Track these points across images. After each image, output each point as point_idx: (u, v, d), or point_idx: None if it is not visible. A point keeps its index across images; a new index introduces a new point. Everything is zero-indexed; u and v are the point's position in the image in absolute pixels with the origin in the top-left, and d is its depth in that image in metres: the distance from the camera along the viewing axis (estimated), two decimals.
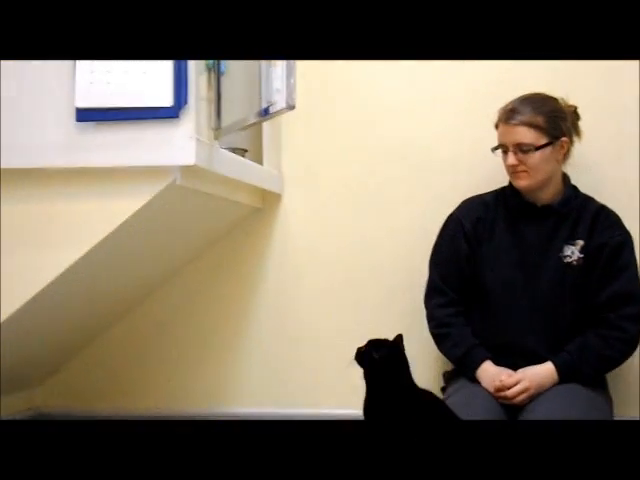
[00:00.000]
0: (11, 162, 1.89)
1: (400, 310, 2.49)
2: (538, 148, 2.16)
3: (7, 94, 1.89)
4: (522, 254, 2.23)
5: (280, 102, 1.91)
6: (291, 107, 1.90)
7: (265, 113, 1.99)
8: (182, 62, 1.84)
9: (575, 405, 2.06)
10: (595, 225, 2.22)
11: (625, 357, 2.20)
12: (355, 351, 1.81)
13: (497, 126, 2.23)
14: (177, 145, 1.85)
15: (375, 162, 2.56)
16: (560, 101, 2.23)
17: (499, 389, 2.12)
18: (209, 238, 2.59)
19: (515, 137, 2.17)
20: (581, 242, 2.20)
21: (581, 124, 2.26)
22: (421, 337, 2.32)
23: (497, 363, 2.19)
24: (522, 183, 2.20)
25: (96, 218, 1.92)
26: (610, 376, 2.26)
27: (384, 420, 1.80)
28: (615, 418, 2.19)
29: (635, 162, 2.40)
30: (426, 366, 2.37)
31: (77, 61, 1.84)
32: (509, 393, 2.11)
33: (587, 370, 2.15)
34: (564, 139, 2.20)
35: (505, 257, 2.24)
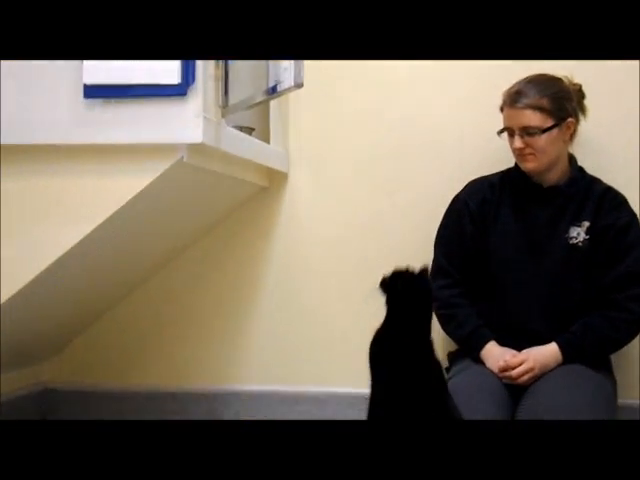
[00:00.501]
0: (18, 138, 1.89)
1: None
2: (544, 131, 2.15)
3: (15, 70, 1.88)
4: (528, 235, 2.23)
5: (288, 80, 1.91)
6: (299, 85, 1.89)
7: (272, 91, 1.99)
8: None
9: (579, 386, 2.06)
10: (601, 206, 2.21)
11: (631, 338, 2.20)
12: (380, 279, 1.83)
13: (502, 109, 2.22)
14: (184, 123, 1.85)
15: (382, 142, 2.56)
16: (565, 80, 2.22)
17: (503, 369, 2.13)
18: (215, 217, 2.59)
19: (521, 120, 2.16)
20: (587, 223, 2.20)
21: (587, 103, 2.25)
22: None
23: (502, 344, 2.19)
24: (529, 166, 2.20)
25: (103, 196, 1.92)
26: (615, 357, 2.27)
27: (388, 359, 1.83)
28: (619, 400, 2.20)
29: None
30: None
31: None
32: (513, 373, 2.12)
33: (591, 351, 2.15)
34: (570, 120, 2.20)
35: (510, 238, 2.24)
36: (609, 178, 2.28)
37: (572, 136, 2.23)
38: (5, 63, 1.87)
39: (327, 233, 2.58)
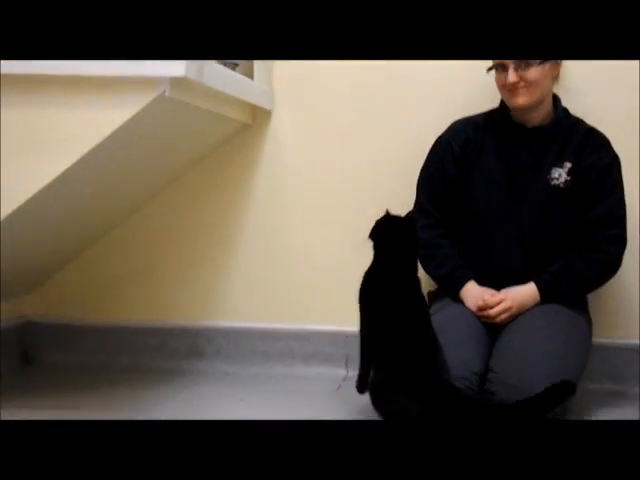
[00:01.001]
0: None
1: None
2: (541, 63, 2.13)
3: None
4: (510, 176, 2.24)
5: None
6: None
7: None
8: None
9: (556, 324, 2.10)
10: (584, 147, 2.22)
11: (607, 278, 2.23)
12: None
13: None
14: None
15: (368, 80, 2.53)
16: None
17: (482, 308, 2.16)
18: (198, 153, 2.58)
19: None
20: (569, 164, 2.21)
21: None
22: None
23: (482, 284, 2.22)
24: (521, 100, 2.18)
25: (85, 128, 1.90)
26: (590, 297, 2.30)
27: (377, 297, 1.94)
28: (594, 339, 2.24)
29: (626, 87, 2.39)
30: None
31: None
32: (492, 312, 2.15)
33: (568, 291, 2.18)
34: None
35: (492, 179, 2.25)
36: (592, 121, 2.29)
37: (557, 77, 2.24)
38: None
39: (310, 171, 2.58)
